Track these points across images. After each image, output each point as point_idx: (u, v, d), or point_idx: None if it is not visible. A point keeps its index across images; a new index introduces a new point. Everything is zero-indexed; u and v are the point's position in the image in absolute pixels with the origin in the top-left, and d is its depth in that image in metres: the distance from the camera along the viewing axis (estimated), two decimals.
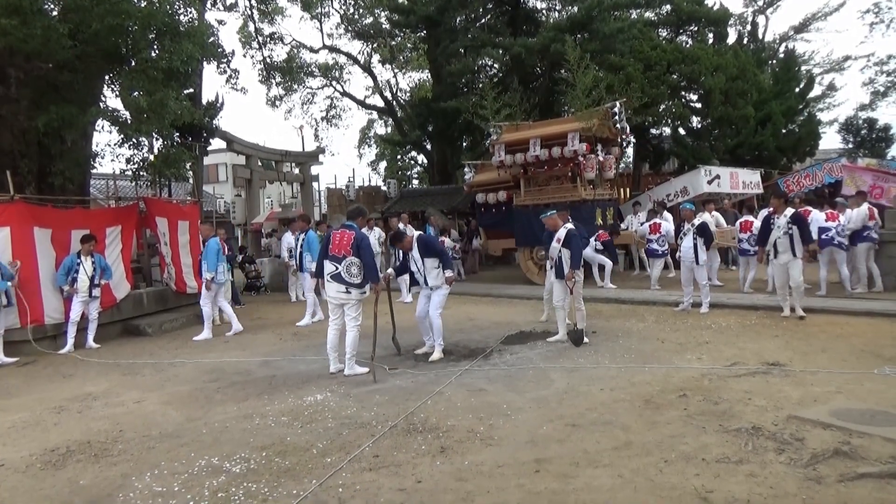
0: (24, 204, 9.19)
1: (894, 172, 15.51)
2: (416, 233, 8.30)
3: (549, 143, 13.21)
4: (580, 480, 3.88)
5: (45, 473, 4.48)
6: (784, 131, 20.00)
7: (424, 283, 7.68)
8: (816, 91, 25.10)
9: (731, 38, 22.32)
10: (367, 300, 7.10)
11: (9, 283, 8.39)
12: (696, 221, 9.68)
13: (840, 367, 6.21)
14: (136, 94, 10.16)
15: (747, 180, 16.57)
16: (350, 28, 27.01)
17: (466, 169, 16.55)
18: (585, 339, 7.84)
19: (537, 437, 4.66)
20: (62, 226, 9.62)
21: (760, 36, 24.92)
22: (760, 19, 26.69)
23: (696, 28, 21.64)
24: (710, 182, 15.26)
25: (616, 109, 13.28)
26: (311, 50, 27.50)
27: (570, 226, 8.05)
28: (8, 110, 9.98)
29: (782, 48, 25.57)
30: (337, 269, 6.81)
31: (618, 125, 13.37)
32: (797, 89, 21.21)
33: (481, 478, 3.99)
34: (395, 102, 28.95)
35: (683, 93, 20.09)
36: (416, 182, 37.24)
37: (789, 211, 8.91)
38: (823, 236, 10.44)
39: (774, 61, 23.89)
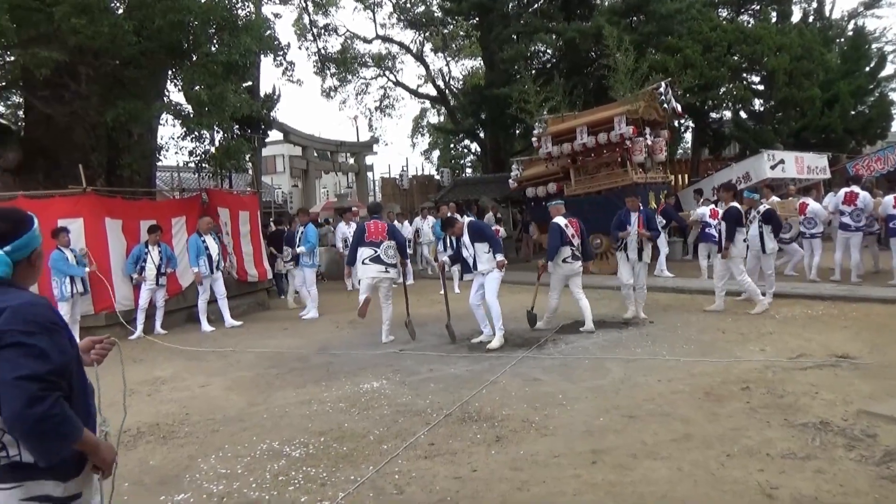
0: (96, 196, 9.61)
1: None
2: (467, 219, 8.41)
3: (596, 129, 13.05)
4: (638, 472, 3.83)
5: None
6: (853, 113, 19.06)
7: (474, 268, 7.70)
8: (889, 70, 23.71)
9: (796, 17, 21.38)
10: (430, 287, 7.29)
11: (86, 270, 8.80)
12: (762, 208, 9.31)
13: None
14: (197, 87, 10.46)
15: (813, 165, 15.90)
16: (402, 17, 27.06)
17: (514, 166, 16.47)
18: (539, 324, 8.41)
19: (593, 428, 4.62)
20: (131, 216, 10.04)
21: (827, 13, 23.75)
22: None
23: (758, 7, 20.83)
24: (773, 167, 14.72)
25: (661, 90, 12.92)
26: (365, 40, 27.70)
27: (557, 219, 8.13)
28: (79, 106, 10.43)
29: (851, 25, 24.29)
30: (376, 252, 7.88)
31: (665, 106, 13.00)
32: (867, 68, 20.16)
33: (537, 468, 3.98)
34: (447, 91, 28.91)
35: (745, 74, 19.37)
36: (469, 171, 37.20)
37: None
38: (892, 224, 9.87)
39: (842, 39, 22.75)
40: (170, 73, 11.74)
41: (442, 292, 8.81)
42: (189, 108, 11.14)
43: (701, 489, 3.56)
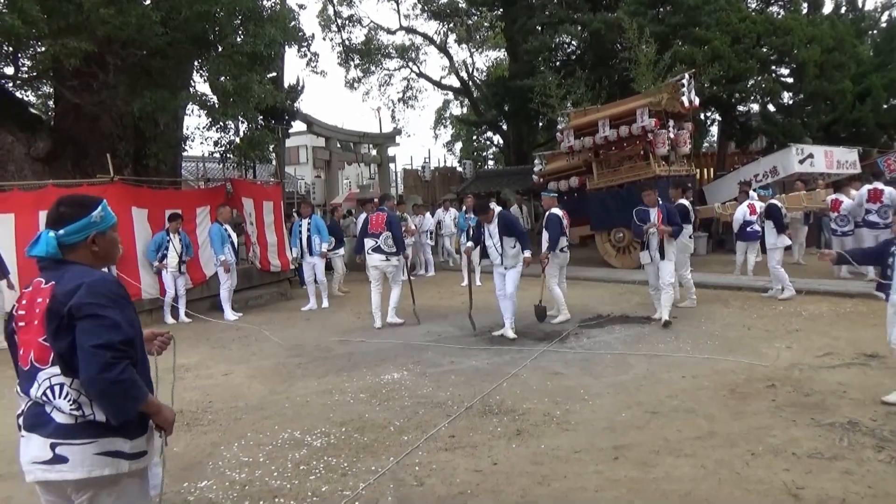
0: (123, 185, 9.74)
1: None
2: (499, 208, 8.42)
3: (618, 122, 12.96)
4: (660, 469, 3.79)
5: None
6: (885, 106, 18.52)
7: (500, 263, 7.67)
8: None
9: (828, 8, 20.84)
10: (452, 279, 7.23)
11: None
12: (764, 203, 9.56)
13: None
14: (222, 78, 10.52)
15: (843, 159, 15.54)
16: (426, 8, 26.95)
17: (537, 161, 16.37)
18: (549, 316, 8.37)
19: (615, 424, 4.58)
20: (157, 206, 10.16)
21: (860, 4, 23.15)
22: None
23: None
24: (801, 161, 14.42)
25: (684, 81, 12.71)
26: (388, 31, 27.66)
27: (554, 210, 8.51)
28: (107, 95, 10.55)
29: (885, 17, 23.69)
30: (376, 242, 8.50)
31: (685, 98, 12.78)
32: None
33: (558, 462, 3.96)
34: (470, 82, 28.78)
35: (774, 67, 18.93)
36: (491, 163, 37.06)
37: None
38: None
39: (875, 31, 22.16)
40: (196, 63, 11.82)
41: (465, 283, 8.84)
42: (214, 98, 11.21)
43: (725, 488, 3.51)
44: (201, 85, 12.18)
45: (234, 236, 10.24)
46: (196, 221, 10.79)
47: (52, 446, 2.07)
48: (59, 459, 2.06)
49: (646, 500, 3.44)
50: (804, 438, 4.13)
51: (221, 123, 11.97)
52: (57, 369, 2.08)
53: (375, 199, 15.45)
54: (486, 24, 26.63)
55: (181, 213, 10.02)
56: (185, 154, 14.35)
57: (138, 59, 10.42)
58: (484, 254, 8.17)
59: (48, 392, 2.09)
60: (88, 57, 9.24)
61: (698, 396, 5.10)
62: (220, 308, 10.17)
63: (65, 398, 2.07)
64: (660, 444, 4.17)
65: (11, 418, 2.32)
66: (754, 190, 11.18)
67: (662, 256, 7.95)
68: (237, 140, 12.79)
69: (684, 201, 9.35)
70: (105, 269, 2.37)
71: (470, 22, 26.77)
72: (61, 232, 2.18)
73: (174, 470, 4.10)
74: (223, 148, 12.94)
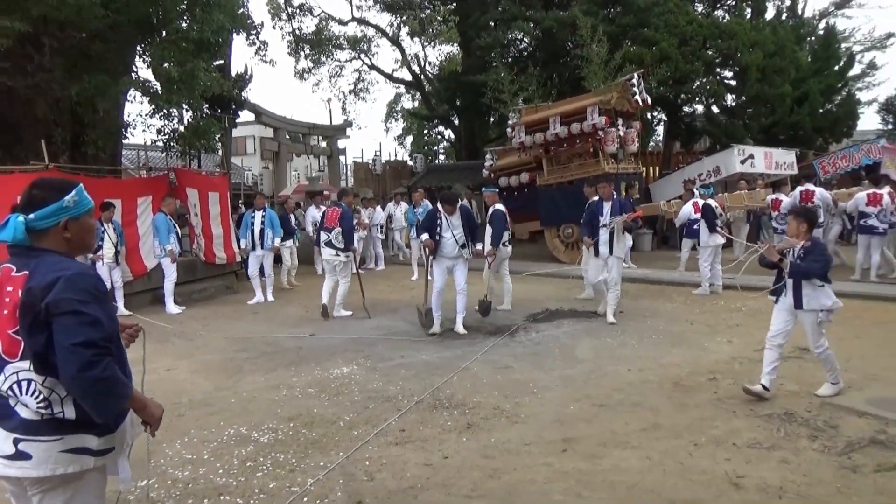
0: (59, 173, 9.29)
1: None
2: (463, 202, 8.49)
3: (569, 119, 13.16)
4: (608, 461, 3.85)
5: None
6: (821, 111, 19.36)
7: (455, 255, 7.65)
8: (856, 70, 24.18)
9: (770, 14, 21.59)
10: (402, 273, 7.15)
11: None
12: (702, 202, 9.97)
13: (876, 354, 6.07)
14: (166, 64, 10.18)
15: (781, 161, 16.15)
16: (379, 0, 26.71)
17: (488, 156, 16.47)
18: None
19: (564, 417, 4.64)
20: (95, 195, 9.57)
21: (800, 11, 24.06)
22: None
23: (733, 2, 20.98)
24: (743, 162, 14.92)
25: (634, 81, 13.01)
26: (340, 22, 27.23)
27: (498, 206, 8.70)
28: (42, 79, 10.06)
29: (822, 24, 24.69)
30: (328, 237, 8.63)
31: (636, 97, 13.08)
32: (836, 67, 20.49)
33: (508, 455, 3.98)
34: (422, 76, 28.68)
35: (718, 69, 19.52)
36: (442, 157, 37.04)
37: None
38: (863, 222, 10.01)
39: (813, 38, 23.08)
40: (139, 48, 11.41)
41: (415, 277, 8.81)
42: (157, 85, 10.84)
43: (670, 479, 3.60)
44: (144, 71, 11.73)
45: (177, 228, 9.93)
46: (137, 212, 10.40)
47: (16, 441, 1.99)
48: (21, 455, 1.98)
49: (594, 491, 3.48)
50: (744, 429, 4.27)
51: (165, 111, 11.62)
52: (26, 364, 1.98)
53: (325, 192, 15.27)
54: (439, 18, 26.51)
55: (114, 203, 9.61)
56: (125, 142, 13.85)
57: (77, 41, 10.00)
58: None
59: (14, 387, 1.99)
60: (22, 37, 8.80)
61: (644, 390, 5.21)
62: (161, 301, 9.86)
63: (32, 395, 1.98)
64: (607, 436, 4.24)
65: None
66: (697, 189, 11.53)
67: (611, 252, 7.90)
68: (181, 129, 12.42)
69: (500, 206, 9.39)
70: (86, 260, 2.23)
71: (423, 15, 26.58)
72: (31, 216, 2.05)
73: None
74: (167, 136, 12.55)
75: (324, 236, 8.76)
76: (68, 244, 2.14)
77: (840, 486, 3.43)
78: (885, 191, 10.01)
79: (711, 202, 10.17)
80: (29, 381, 1.98)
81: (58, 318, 1.91)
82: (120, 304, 9.50)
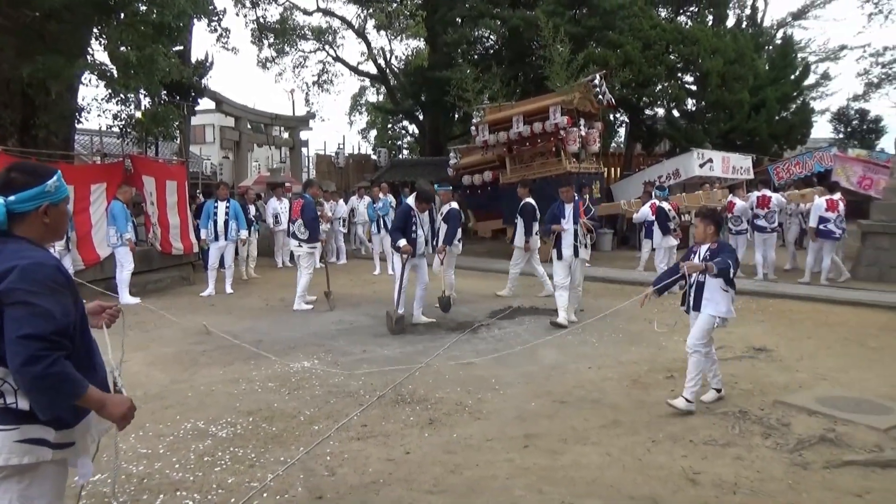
0: (6, 156, 8.93)
1: (884, 164, 15.58)
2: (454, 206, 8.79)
3: (532, 119, 13.31)
4: (568, 457, 3.89)
5: None
6: (777, 118, 19.96)
7: (422, 253, 7.70)
8: (811, 79, 25.02)
9: (731, 21, 22.14)
10: (363, 267, 7.09)
11: None
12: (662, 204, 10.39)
13: (825, 354, 6.27)
14: (124, 48, 9.86)
15: (738, 165, 16.60)
16: None
17: (451, 154, 16.50)
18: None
19: (525, 413, 4.67)
20: None
21: (759, 21, 24.72)
22: (760, 4, 26.48)
23: (696, 9, 21.45)
24: (701, 165, 15.28)
25: (596, 82, 13.19)
26: (305, 12, 26.87)
27: (454, 204, 9.04)
28: None
29: (780, 34, 25.41)
30: (293, 228, 8.94)
31: (599, 97, 13.26)
32: (792, 76, 21.14)
33: (470, 451, 3.99)
34: (388, 70, 28.50)
35: (680, 74, 19.94)
36: (406, 152, 36.90)
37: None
38: (822, 226, 10.16)
39: (771, 47, 23.75)
40: (95, 30, 11.03)
41: (377, 272, 8.74)
42: (114, 68, 10.50)
43: (629, 474, 3.65)
44: (101, 53, 11.35)
45: (133, 217, 9.67)
46: (90, 199, 10.06)
47: None
48: None
49: (554, 486, 3.51)
50: (700, 426, 4.36)
51: (122, 96, 11.25)
52: None
53: (287, 184, 15.05)
54: (406, 12, 26.40)
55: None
56: (79, 126, 13.40)
57: (30, 20, 9.62)
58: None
59: None
60: None
61: (604, 387, 5.28)
62: (115, 291, 9.58)
63: None
64: (568, 432, 4.28)
65: None
66: (655, 191, 11.77)
67: (577, 255, 7.76)
68: (139, 115, 12.07)
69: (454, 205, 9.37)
70: (62, 248, 2.12)
71: (391, 9, 26.46)
72: (12, 199, 2.01)
73: None
74: (123, 122, 12.17)
75: (291, 228, 9.09)
76: (46, 229, 2.10)
77: (791, 482, 3.53)
78: (837, 197, 10.35)
79: (665, 205, 10.42)
80: None
81: (8, 308, 1.86)
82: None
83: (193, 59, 17.53)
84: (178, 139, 15.71)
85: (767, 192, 11.07)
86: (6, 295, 1.86)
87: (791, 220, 12.23)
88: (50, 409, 1.93)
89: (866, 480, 3.54)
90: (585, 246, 7.93)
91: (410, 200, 7.70)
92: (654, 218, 10.90)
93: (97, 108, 15.74)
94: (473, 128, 14.62)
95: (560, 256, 7.79)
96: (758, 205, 10.86)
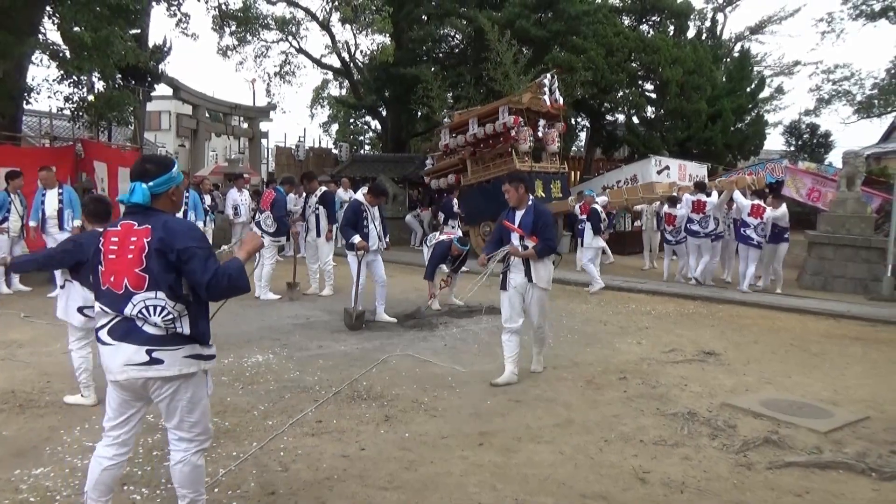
0: None
1: (832, 177, 16.17)
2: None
3: (485, 120, 13.49)
4: (522, 455, 3.93)
5: None
6: (733, 129, 20.55)
7: (376, 248, 7.66)
8: (766, 92, 25.82)
9: (691, 33, 22.65)
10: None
11: None
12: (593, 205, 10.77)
13: (770, 359, 6.48)
14: (78, 28, 9.56)
15: (694, 173, 17.02)
16: None
17: (428, 160, 16.60)
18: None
19: (481, 411, 4.70)
20: None
21: (718, 33, 25.39)
22: (719, 17, 27.20)
23: (658, 19, 21.87)
24: (659, 172, 15.60)
25: (546, 81, 13.39)
26: (269, 1, 26.44)
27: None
28: None
29: (737, 47, 26.14)
30: (260, 218, 9.00)
31: (546, 97, 13.42)
32: (748, 89, 21.79)
33: (425, 448, 3.99)
34: (352, 64, 28.27)
35: (641, 81, 20.34)
36: (367, 148, 36.67)
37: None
38: (742, 231, 10.14)
39: (729, 59, 24.43)
40: (48, 8, 10.65)
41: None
42: (67, 49, 10.16)
43: (581, 472, 3.71)
44: (53, 33, 10.95)
45: (17, 207, 8.84)
46: (38, 183, 9.70)
47: (149, 352, 2.59)
48: (155, 361, 2.59)
49: (508, 483, 3.54)
50: (651, 427, 4.46)
51: (75, 78, 10.91)
52: (152, 294, 2.56)
53: (246, 175, 14.80)
54: (372, 6, 26.23)
55: (21, 171, 8.95)
56: (28, 107, 12.91)
57: None
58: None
59: (143, 311, 2.57)
60: None
61: (558, 386, 5.35)
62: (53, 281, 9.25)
63: (160, 315, 2.57)
64: (522, 430, 4.33)
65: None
66: (587, 192, 12.18)
67: (530, 278, 6.70)
68: (91, 98, 11.72)
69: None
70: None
71: (357, 2, 26.24)
72: (151, 184, 2.66)
73: (4, 456, 3.69)
74: (75, 105, 11.80)
75: (258, 216, 9.16)
76: (173, 205, 2.79)
77: (736, 481, 3.64)
78: (771, 207, 10.12)
79: (597, 206, 10.73)
80: (157, 307, 2.57)
81: (189, 261, 2.55)
82: (16, 279, 8.88)
83: (151, 44, 17.11)
84: (133, 125, 15.25)
85: (703, 197, 10.83)
86: (183, 252, 2.55)
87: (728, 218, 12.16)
88: (239, 290, 2.65)
89: (806, 481, 3.68)
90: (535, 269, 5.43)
91: (359, 195, 7.64)
92: (585, 217, 10.99)
93: (48, 89, 15.26)
94: (439, 133, 14.77)
95: (504, 286, 5.52)
96: (693, 209, 10.74)
